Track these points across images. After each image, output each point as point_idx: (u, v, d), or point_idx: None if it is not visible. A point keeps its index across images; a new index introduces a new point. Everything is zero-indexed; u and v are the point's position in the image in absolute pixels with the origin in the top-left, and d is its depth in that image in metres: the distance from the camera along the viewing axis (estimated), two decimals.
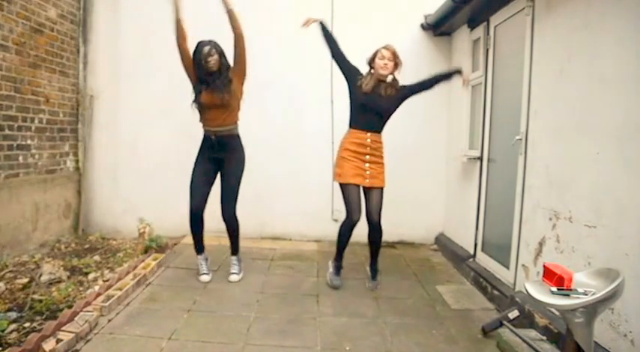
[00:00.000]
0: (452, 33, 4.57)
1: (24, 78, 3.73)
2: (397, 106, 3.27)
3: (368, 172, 3.20)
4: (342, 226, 3.30)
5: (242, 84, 3.30)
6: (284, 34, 4.61)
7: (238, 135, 3.37)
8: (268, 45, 4.60)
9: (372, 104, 3.18)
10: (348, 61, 3.28)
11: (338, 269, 3.42)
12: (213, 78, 3.17)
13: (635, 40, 2.02)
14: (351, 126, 3.30)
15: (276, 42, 4.61)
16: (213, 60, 3.15)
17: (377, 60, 3.16)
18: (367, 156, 3.21)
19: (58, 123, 4.25)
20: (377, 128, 3.25)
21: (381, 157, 3.29)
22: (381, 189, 3.25)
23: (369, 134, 3.21)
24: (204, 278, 3.41)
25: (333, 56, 3.31)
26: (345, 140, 3.30)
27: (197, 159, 3.37)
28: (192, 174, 3.33)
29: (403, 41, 4.59)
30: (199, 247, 3.49)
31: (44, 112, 4.03)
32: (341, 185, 3.25)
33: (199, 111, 3.28)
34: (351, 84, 3.25)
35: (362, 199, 3.25)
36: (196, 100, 3.22)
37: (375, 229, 3.27)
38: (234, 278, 3.43)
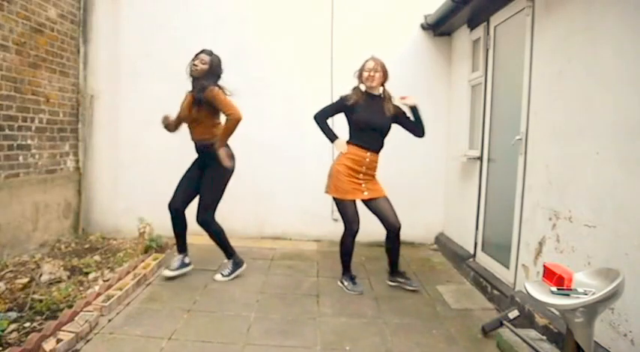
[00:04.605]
0: (452, 33, 4.57)
1: (24, 78, 3.73)
2: (390, 125, 3.25)
3: (364, 185, 3.21)
4: (344, 239, 3.31)
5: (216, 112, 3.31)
6: (284, 34, 4.62)
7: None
8: (268, 45, 4.61)
9: (369, 121, 3.17)
10: (332, 108, 3.31)
11: (352, 278, 3.39)
12: (194, 85, 3.23)
13: (635, 40, 2.02)
14: (351, 142, 3.25)
15: (276, 42, 4.62)
16: (199, 66, 3.19)
17: (363, 72, 3.17)
18: (361, 175, 3.21)
19: (58, 123, 4.25)
20: (376, 147, 3.24)
21: (374, 175, 3.30)
22: (386, 197, 3.25)
23: (368, 153, 3.20)
24: (166, 272, 3.36)
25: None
26: (343, 154, 3.23)
27: (191, 163, 3.47)
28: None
29: (403, 41, 4.62)
30: (180, 246, 3.48)
31: (44, 112, 4.03)
32: (336, 199, 3.25)
33: None
34: (345, 111, 3.25)
35: (358, 210, 3.25)
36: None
37: (396, 236, 3.26)
38: (218, 277, 3.44)
